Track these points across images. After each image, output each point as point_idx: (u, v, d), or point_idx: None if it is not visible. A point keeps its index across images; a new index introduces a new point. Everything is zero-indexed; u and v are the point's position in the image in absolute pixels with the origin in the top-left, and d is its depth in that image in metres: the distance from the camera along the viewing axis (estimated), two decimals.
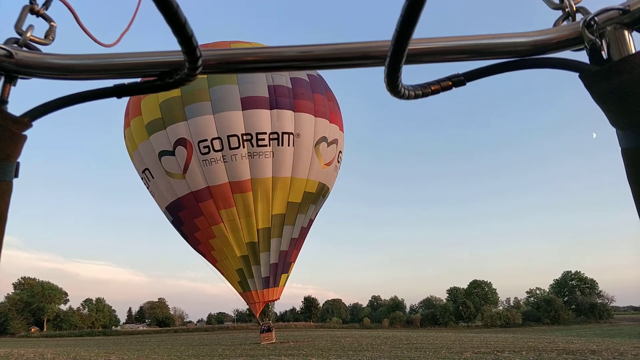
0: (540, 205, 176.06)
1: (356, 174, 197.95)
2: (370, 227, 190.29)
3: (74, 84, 1.09)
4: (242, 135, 15.00)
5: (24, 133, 0.99)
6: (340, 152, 16.91)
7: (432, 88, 1.14)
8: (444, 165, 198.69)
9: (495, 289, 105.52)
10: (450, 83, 1.14)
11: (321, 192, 16.43)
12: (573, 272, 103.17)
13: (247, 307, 18.82)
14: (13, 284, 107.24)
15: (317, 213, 17.28)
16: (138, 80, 1.10)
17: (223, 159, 15.10)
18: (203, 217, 15.60)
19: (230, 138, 15.02)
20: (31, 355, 30.32)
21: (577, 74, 1.04)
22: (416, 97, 1.12)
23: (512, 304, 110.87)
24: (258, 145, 15.06)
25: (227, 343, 39.61)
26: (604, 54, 1.02)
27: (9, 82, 1.03)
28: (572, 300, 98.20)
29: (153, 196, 16.78)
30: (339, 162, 17.03)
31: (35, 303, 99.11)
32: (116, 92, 1.09)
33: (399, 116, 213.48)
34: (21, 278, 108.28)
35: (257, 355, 21.29)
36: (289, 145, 15.16)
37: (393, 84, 1.02)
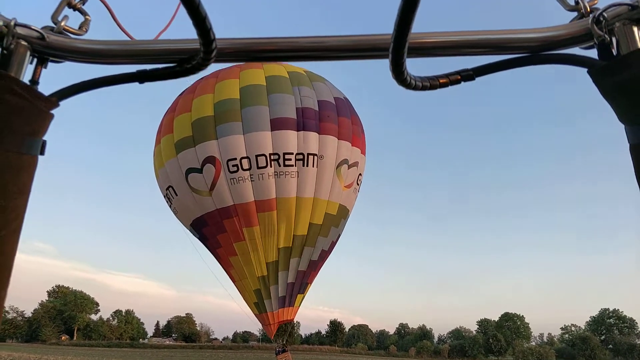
0: (578, 237, 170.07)
1: (386, 198, 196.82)
2: (400, 253, 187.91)
3: (100, 70, 1.17)
4: (270, 155, 15.20)
5: (52, 112, 1.06)
6: (360, 174, 16.90)
7: (441, 81, 1.16)
8: (480, 192, 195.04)
9: (528, 323, 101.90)
10: (459, 77, 1.17)
11: (342, 215, 16.44)
12: (611, 309, 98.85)
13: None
14: (47, 291, 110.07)
15: (338, 236, 17.23)
16: (159, 66, 1.17)
17: (250, 177, 15.28)
18: (227, 234, 15.73)
19: (259, 157, 15.21)
20: None
21: (585, 70, 1.05)
22: (423, 88, 1.14)
23: (545, 339, 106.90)
24: (285, 165, 15.23)
25: None
26: (614, 51, 1.02)
27: (40, 64, 1.12)
28: (609, 340, 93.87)
29: (175, 214, 17.01)
30: (358, 184, 17.01)
31: (67, 311, 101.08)
32: (138, 77, 1.16)
33: (430, 141, 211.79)
34: (55, 286, 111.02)
35: None
36: (313, 166, 15.29)
37: (398, 71, 1.04)
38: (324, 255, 17.10)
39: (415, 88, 1.12)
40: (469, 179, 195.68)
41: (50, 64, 1.14)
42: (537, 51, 1.11)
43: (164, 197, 17.15)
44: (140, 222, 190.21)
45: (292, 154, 15.26)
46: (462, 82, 1.17)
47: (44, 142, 1.05)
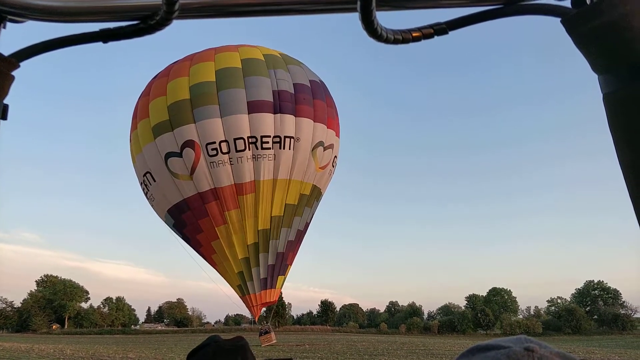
0: (563, 210, 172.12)
1: (372, 175, 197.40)
2: (388, 232, 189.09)
3: (63, 30, 1.10)
4: (248, 138, 15.19)
5: (12, 74, 1.00)
6: (335, 156, 17.03)
7: (414, 35, 1.12)
8: (467, 172, 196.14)
9: (515, 297, 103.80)
10: (432, 31, 1.13)
11: (315, 195, 16.61)
12: (595, 281, 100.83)
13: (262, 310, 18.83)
14: (36, 281, 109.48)
15: (312, 216, 17.43)
16: (123, 24, 1.09)
17: (230, 161, 15.28)
18: (208, 218, 15.72)
19: (237, 141, 15.19)
20: (51, 351, 31.12)
21: (559, 21, 1.01)
22: (395, 41, 1.10)
23: (532, 312, 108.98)
24: (262, 148, 15.25)
25: None
26: (588, 1, 0.99)
27: None
28: (594, 311, 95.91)
29: (152, 201, 16.73)
30: (333, 166, 17.16)
31: (57, 300, 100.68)
32: (102, 36, 1.09)
33: (418, 113, 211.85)
34: (44, 276, 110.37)
35: (272, 357, 21.28)
36: (289, 149, 15.37)
37: (368, 21, 0.99)
38: (300, 235, 17.31)
39: (386, 41, 1.08)
40: (456, 161, 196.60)
41: (10, 25, 1.07)
42: (511, 2, 1.08)
43: (141, 184, 16.95)
44: (126, 210, 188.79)
45: (269, 136, 15.31)
46: (436, 36, 1.14)
47: (6, 106, 1.00)
